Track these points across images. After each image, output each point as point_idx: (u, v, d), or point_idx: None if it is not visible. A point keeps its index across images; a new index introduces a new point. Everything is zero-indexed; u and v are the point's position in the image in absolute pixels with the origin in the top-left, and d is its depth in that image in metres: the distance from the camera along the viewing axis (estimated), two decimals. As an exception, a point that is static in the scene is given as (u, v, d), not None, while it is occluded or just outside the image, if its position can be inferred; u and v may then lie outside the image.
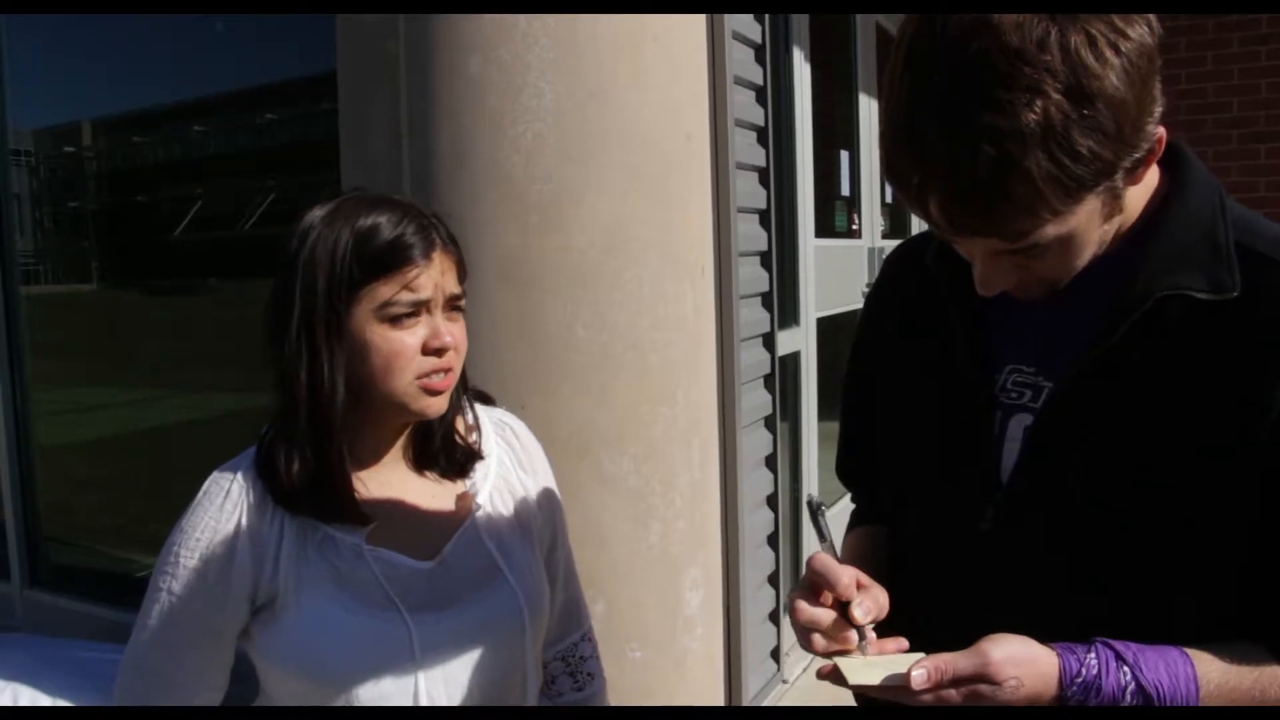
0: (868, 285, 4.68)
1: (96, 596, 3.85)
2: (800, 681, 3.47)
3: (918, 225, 5.62)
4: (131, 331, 4.25)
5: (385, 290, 1.21)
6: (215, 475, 1.29)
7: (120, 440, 4.39)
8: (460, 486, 1.36)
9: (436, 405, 1.27)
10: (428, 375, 1.24)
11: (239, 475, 1.27)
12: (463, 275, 1.30)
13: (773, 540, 3.35)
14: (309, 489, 1.23)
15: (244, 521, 1.24)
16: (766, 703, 3.27)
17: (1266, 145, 7.68)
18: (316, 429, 1.22)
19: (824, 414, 4.09)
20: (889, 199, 5.13)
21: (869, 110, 4.74)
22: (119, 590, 3.79)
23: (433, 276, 1.23)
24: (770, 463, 3.32)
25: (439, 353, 1.24)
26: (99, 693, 3.22)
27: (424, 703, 1.24)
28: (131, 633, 1.28)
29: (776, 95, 3.49)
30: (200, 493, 1.28)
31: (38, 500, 4.24)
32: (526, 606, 1.32)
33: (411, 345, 1.22)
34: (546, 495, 1.47)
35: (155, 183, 4.25)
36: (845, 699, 3.38)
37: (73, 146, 4.46)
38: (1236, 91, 7.72)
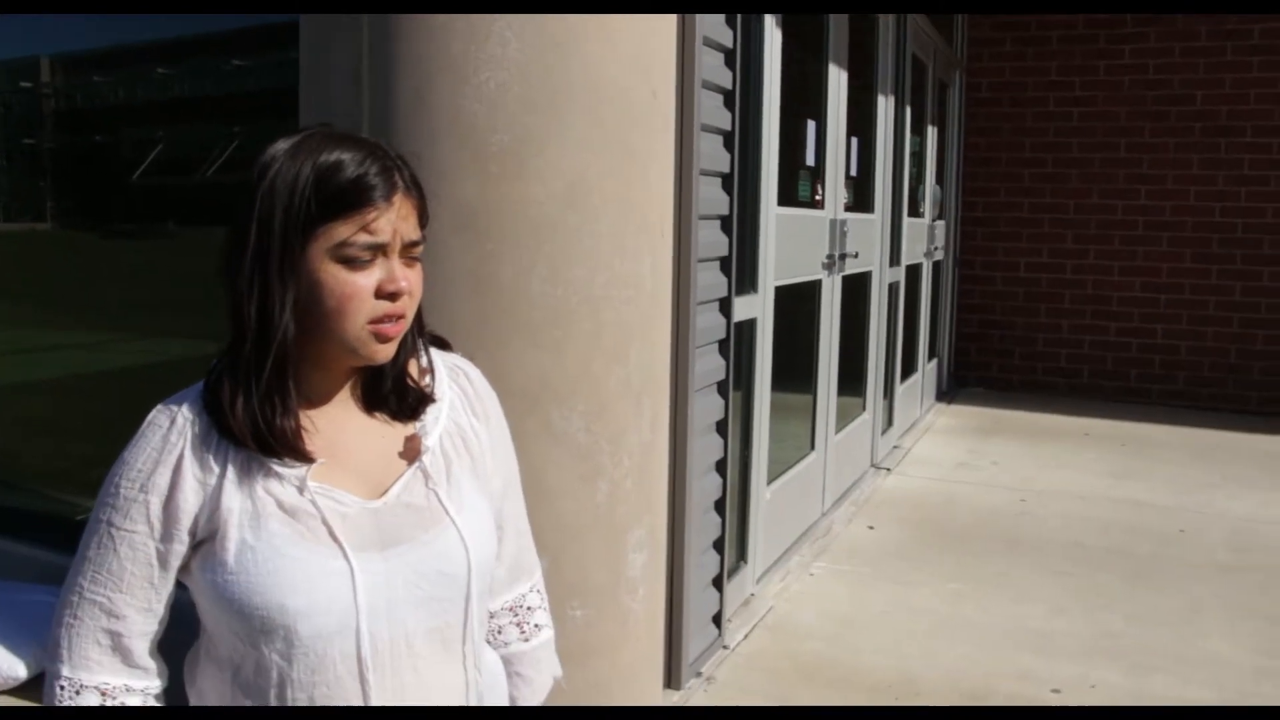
0: (827, 256, 4.68)
1: (38, 540, 3.79)
2: (741, 648, 3.48)
3: (881, 200, 5.63)
4: (87, 274, 4.17)
5: (343, 230, 1.18)
6: (160, 408, 1.26)
7: (72, 383, 4.32)
8: (410, 429, 1.34)
9: (385, 351, 1.25)
10: (380, 320, 1.22)
11: (184, 408, 1.25)
12: (424, 221, 1.27)
13: (719, 506, 3.35)
14: (254, 423, 1.21)
15: (188, 453, 1.22)
16: (707, 667, 3.28)
17: (1227, 139, 7.76)
18: (264, 363, 1.20)
19: (778, 382, 4.09)
20: (853, 172, 5.12)
21: (838, 81, 4.72)
22: (62, 533, 3.74)
23: (392, 220, 1.21)
24: (721, 428, 3.31)
25: (393, 297, 1.22)
26: (32, 638, 3.17)
27: (366, 643, 1.22)
28: (70, 568, 1.26)
29: (746, 60, 3.47)
30: (144, 424, 1.26)
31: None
32: (472, 550, 1.31)
33: (365, 288, 1.20)
34: (499, 442, 1.46)
35: (115, 124, 4.16)
36: (785, 671, 3.40)
37: (30, 82, 4.36)
38: (1201, 85, 7.79)
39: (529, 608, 1.56)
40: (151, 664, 1.27)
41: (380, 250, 1.21)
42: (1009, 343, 8.41)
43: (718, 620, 3.39)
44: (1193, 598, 4.06)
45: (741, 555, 3.81)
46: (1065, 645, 3.61)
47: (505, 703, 1.52)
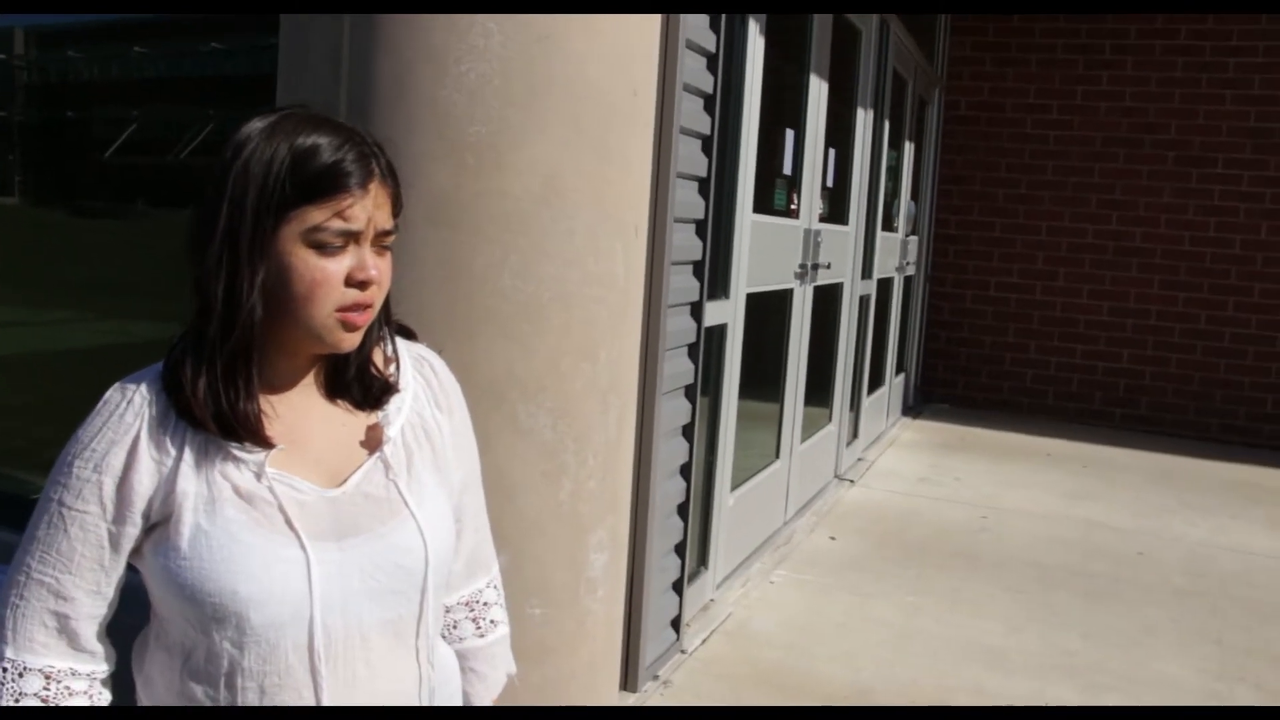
0: (800, 266, 4.68)
1: (-8, 518, 3.73)
2: (698, 653, 3.47)
3: (856, 213, 5.64)
4: (54, 251, 4.11)
5: (316, 215, 1.17)
6: (116, 386, 1.24)
7: (34, 361, 4.26)
8: (372, 418, 1.33)
9: (350, 340, 1.24)
10: (348, 309, 1.20)
11: (142, 387, 1.23)
12: (397, 210, 1.26)
13: (682, 510, 3.34)
14: (216, 404, 1.19)
15: (144, 433, 1.20)
16: (664, 671, 3.27)
17: (1199, 170, 7.84)
18: (228, 344, 1.18)
19: (745, 389, 4.09)
20: (830, 183, 5.13)
21: (819, 91, 4.73)
22: (14, 513, 3.68)
23: (366, 208, 1.19)
24: (687, 432, 3.31)
25: (362, 286, 1.20)
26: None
27: (319, 633, 1.21)
28: (18, 547, 1.23)
29: (728, 65, 3.47)
30: (100, 402, 1.23)
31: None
32: (430, 543, 1.30)
33: (335, 274, 1.19)
34: (461, 435, 1.45)
35: (88, 101, 4.10)
36: (741, 678, 3.40)
37: (3, 54, 4.29)
38: (1176, 115, 7.87)
39: (485, 603, 1.54)
40: (99, 648, 1.25)
41: (352, 238, 1.19)
42: (976, 361, 8.46)
43: (676, 624, 3.38)
44: (1147, 619, 4.09)
45: (702, 560, 3.80)
46: (1020, 662, 3.62)
47: (459, 698, 1.50)
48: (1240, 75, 7.66)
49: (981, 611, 4.06)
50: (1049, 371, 8.27)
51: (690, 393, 3.28)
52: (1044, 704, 3.31)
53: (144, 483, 1.19)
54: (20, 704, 1.20)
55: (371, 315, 1.24)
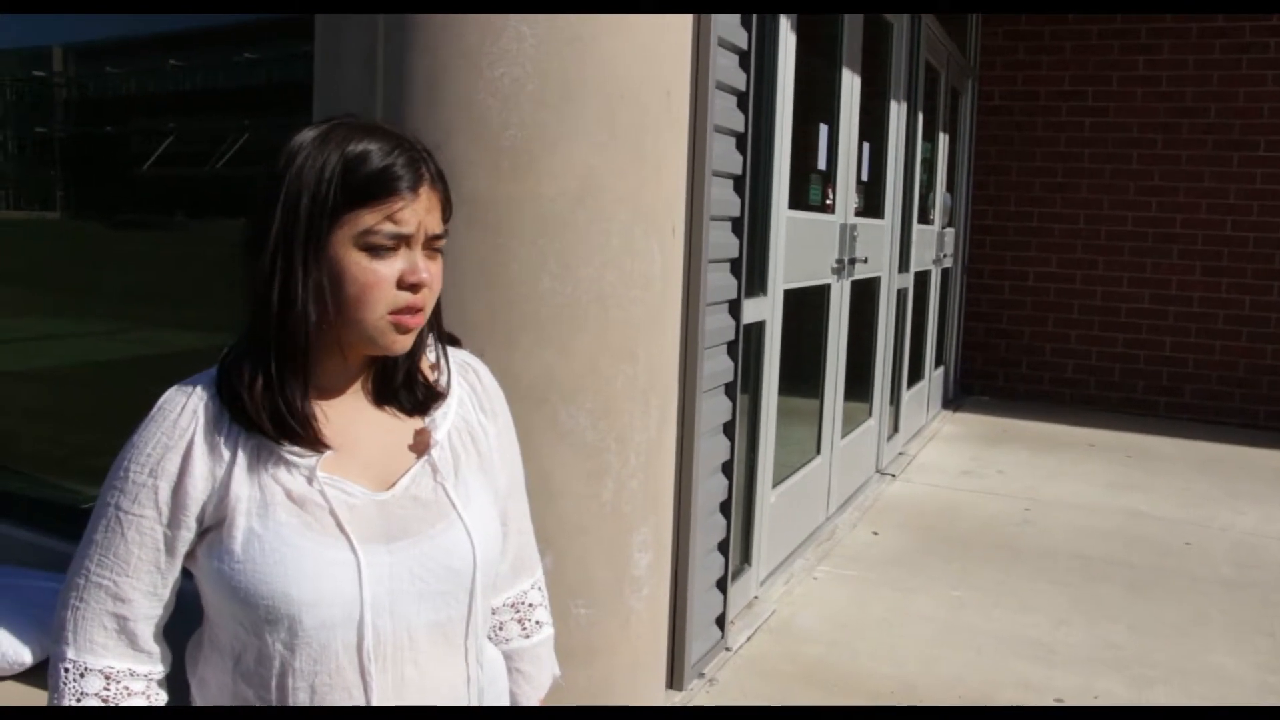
0: (837, 261, 4.67)
1: (40, 525, 3.79)
2: (743, 650, 3.47)
3: (891, 206, 5.62)
4: (94, 263, 4.17)
5: (368, 219, 1.19)
6: (172, 390, 1.26)
7: (77, 371, 4.32)
8: (419, 423, 1.34)
9: (403, 343, 1.26)
10: (400, 311, 1.22)
11: (197, 391, 1.25)
12: (447, 215, 1.28)
13: (725, 508, 3.34)
14: (268, 408, 1.21)
15: (198, 438, 1.22)
16: (709, 668, 3.27)
17: (1240, 153, 7.73)
18: (283, 348, 1.21)
19: (785, 386, 4.08)
20: (864, 177, 5.11)
21: (851, 85, 4.71)
22: (64, 520, 3.73)
23: (417, 212, 1.21)
24: (728, 430, 3.30)
25: (414, 289, 1.22)
26: (36, 623, 3.17)
27: (369, 634, 1.22)
28: (76, 551, 1.25)
29: (760, 61, 3.46)
30: (155, 408, 1.25)
31: (-14, 426, 4.17)
32: (477, 546, 1.31)
33: (387, 277, 1.21)
34: (505, 439, 1.46)
35: (126, 115, 4.16)
36: (786, 675, 3.39)
37: (43, 71, 4.36)
38: (1215, 98, 7.77)
39: (530, 604, 1.55)
40: (156, 649, 1.27)
41: (404, 241, 1.21)
42: (1016, 352, 8.39)
43: (721, 622, 3.38)
44: (1196, 611, 4.05)
45: (746, 558, 3.80)
46: (1067, 655, 3.59)
47: (505, 699, 1.51)
48: (1280, 55, 7.55)
49: (1026, 605, 4.03)
50: (1090, 361, 8.19)
51: (730, 390, 3.28)
52: (1092, 697, 3.29)
53: (198, 487, 1.21)
54: (82, 704, 1.23)
55: (424, 318, 1.26)
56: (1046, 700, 3.26)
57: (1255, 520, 5.29)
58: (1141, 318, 8.03)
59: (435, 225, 1.24)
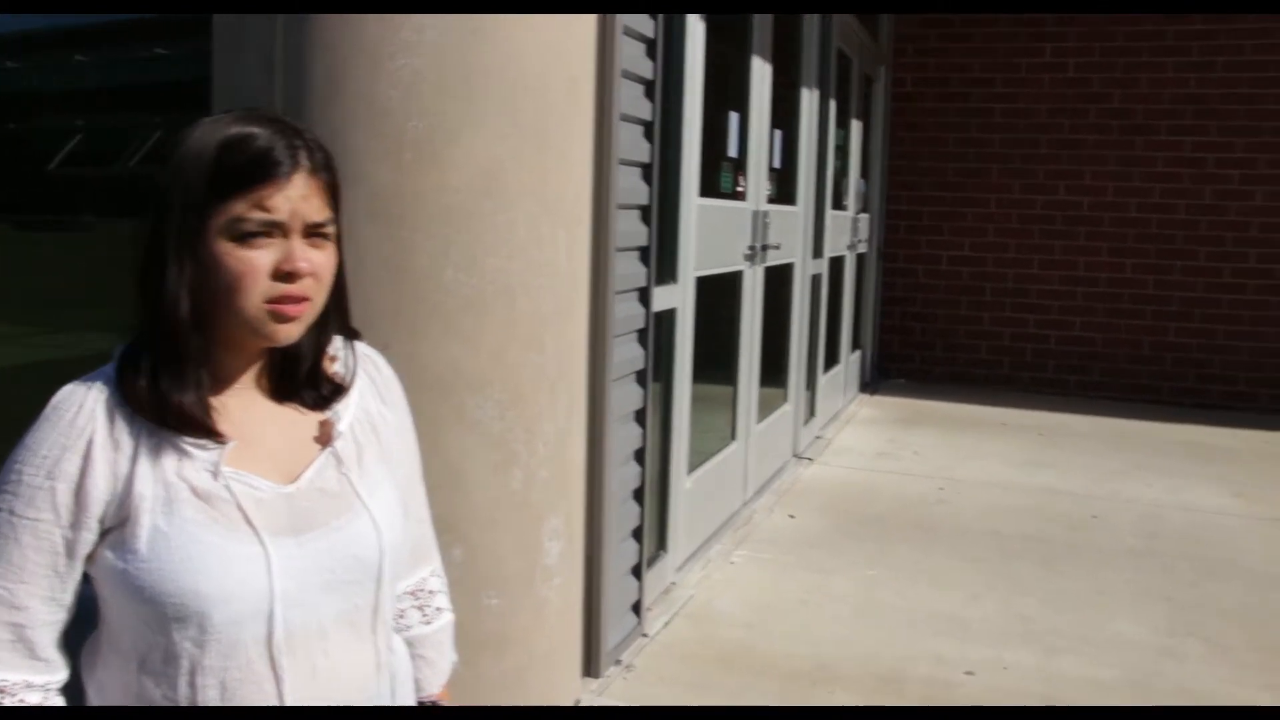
0: (749, 247, 4.71)
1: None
2: (661, 636, 3.50)
3: (805, 193, 5.68)
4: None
5: (238, 207, 1.17)
6: (67, 389, 1.23)
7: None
8: (322, 415, 1.34)
9: (286, 332, 1.23)
10: (277, 300, 1.20)
11: (94, 388, 1.22)
12: (333, 203, 1.26)
13: (638, 495, 3.36)
14: (160, 398, 1.20)
15: (99, 437, 1.19)
16: (626, 655, 3.30)
17: (1143, 138, 7.93)
18: (168, 342, 1.20)
19: (700, 372, 4.12)
20: (777, 164, 5.16)
21: (762, 73, 4.75)
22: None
23: (290, 199, 1.19)
24: (640, 417, 3.32)
25: (290, 277, 1.20)
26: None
27: (279, 627, 1.22)
28: None
29: (668, 50, 3.48)
30: (49, 407, 1.22)
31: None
32: (384, 535, 1.31)
33: (259, 266, 1.19)
34: (404, 429, 1.47)
35: (30, 112, 4.05)
36: (703, 659, 3.40)
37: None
38: (1119, 84, 7.96)
39: (430, 591, 1.56)
40: (55, 656, 1.24)
41: (278, 229, 1.19)
42: (931, 335, 8.53)
43: (637, 608, 3.41)
44: (1102, 581, 4.16)
45: (662, 544, 3.83)
46: (979, 629, 3.68)
47: (411, 684, 1.52)
48: (1180, 43, 7.76)
49: (940, 582, 4.12)
50: (1003, 343, 8.36)
51: (642, 378, 3.30)
52: (1002, 669, 3.37)
53: (100, 487, 1.19)
54: None
55: (308, 309, 1.24)
56: (957, 673, 3.34)
57: (1160, 492, 5.45)
58: (1052, 299, 8.21)
59: (315, 213, 1.22)
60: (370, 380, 1.43)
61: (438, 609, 1.56)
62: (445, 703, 1.61)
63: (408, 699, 1.48)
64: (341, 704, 1.29)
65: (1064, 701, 3.19)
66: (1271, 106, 7.68)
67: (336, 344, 1.40)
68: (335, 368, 1.38)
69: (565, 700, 2.84)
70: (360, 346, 1.45)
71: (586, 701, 2.99)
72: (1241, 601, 4.01)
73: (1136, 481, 5.66)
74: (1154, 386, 8.02)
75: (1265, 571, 4.35)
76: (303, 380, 1.32)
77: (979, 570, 4.26)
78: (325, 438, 1.33)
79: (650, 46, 3.24)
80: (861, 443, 6.42)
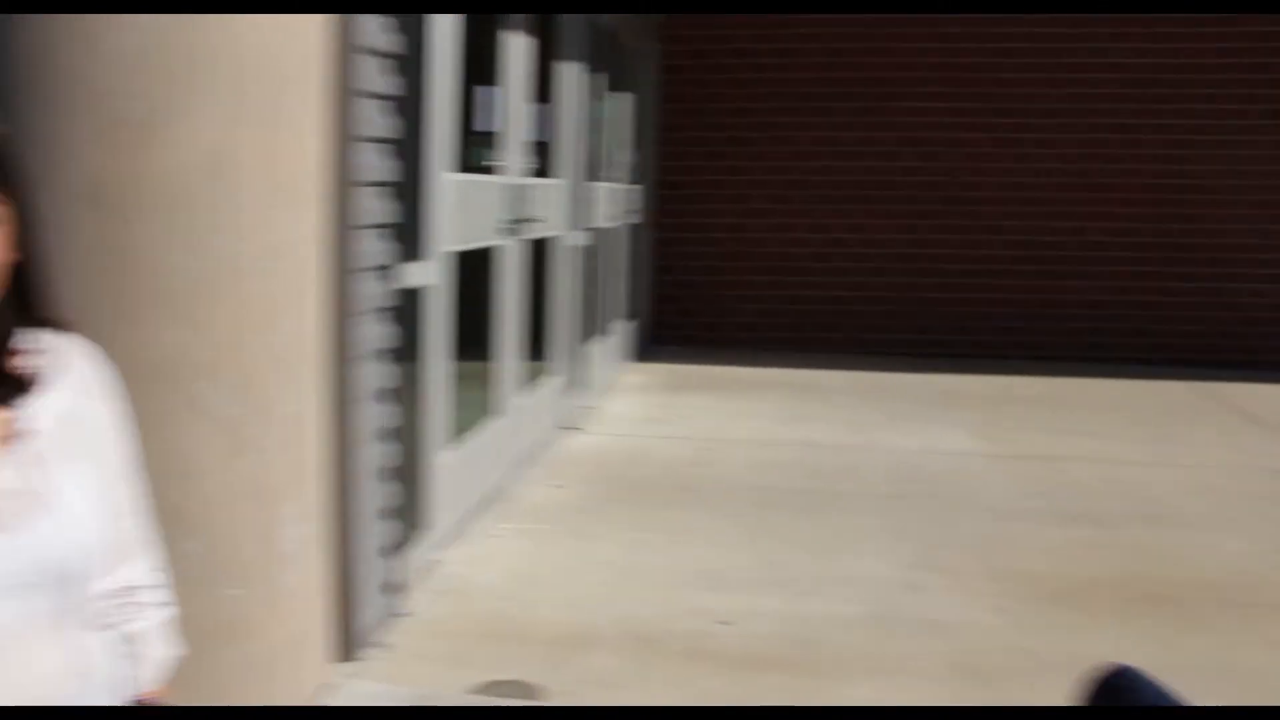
0: (508, 221, 4.73)
1: None
2: (421, 614, 3.50)
3: (569, 166, 5.73)
4: None
5: None
6: None
7: None
8: (14, 411, 1.30)
9: None
10: None
11: None
12: (5, 189, 1.22)
13: (390, 474, 3.35)
14: None
15: None
16: (384, 635, 3.29)
17: (896, 104, 8.33)
18: None
19: (463, 348, 4.12)
20: (536, 138, 5.19)
21: (519, 46, 4.77)
22: None
23: None
24: (388, 396, 3.31)
25: None
26: None
27: None
28: None
29: (413, 23, 3.45)
30: None
31: None
32: (77, 535, 1.28)
33: None
34: (114, 423, 1.42)
35: None
36: (464, 634, 3.40)
37: None
38: (870, 54, 8.34)
39: (140, 587, 1.53)
40: None
41: None
42: (700, 302, 8.77)
43: (394, 588, 3.40)
44: (855, 526, 4.42)
45: (420, 522, 3.83)
46: (736, 580, 3.84)
47: (126, 684, 1.49)
48: (924, 16, 8.17)
49: (702, 539, 4.27)
50: (766, 305, 8.68)
51: (390, 356, 3.29)
52: (756, 615, 3.53)
53: None
54: None
55: None
56: (714, 625, 3.47)
57: (912, 439, 5.81)
58: (812, 261, 8.58)
59: None
60: (75, 372, 1.40)
61: (150, 604, 1.54)
62: (160, 701, 1.59)
63: (106, 699, 1.46)
64: (20, 705, 1.27)
65: (811, 640, 3.37)
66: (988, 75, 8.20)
67: (42, 337, 1.36)
68: (35, 361, 1.34)
69: (311, 686, 2.82)
70: (65, 338, 1.41)
71: (340, 684, 2.98)
72: (979, 533, 4.34)
73: (893, 431, 6.01)
74: (906, 341, 8.50)
75: (1001, 506, 4.72)
76: None
77: (738, 525, 4.44)
78: (18, 435, 1.29)
79: (393, 22, 3.21)
80: (631, 410, 6.56)
